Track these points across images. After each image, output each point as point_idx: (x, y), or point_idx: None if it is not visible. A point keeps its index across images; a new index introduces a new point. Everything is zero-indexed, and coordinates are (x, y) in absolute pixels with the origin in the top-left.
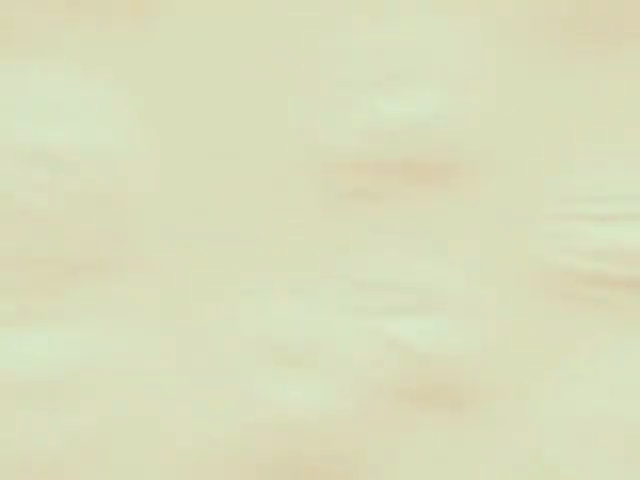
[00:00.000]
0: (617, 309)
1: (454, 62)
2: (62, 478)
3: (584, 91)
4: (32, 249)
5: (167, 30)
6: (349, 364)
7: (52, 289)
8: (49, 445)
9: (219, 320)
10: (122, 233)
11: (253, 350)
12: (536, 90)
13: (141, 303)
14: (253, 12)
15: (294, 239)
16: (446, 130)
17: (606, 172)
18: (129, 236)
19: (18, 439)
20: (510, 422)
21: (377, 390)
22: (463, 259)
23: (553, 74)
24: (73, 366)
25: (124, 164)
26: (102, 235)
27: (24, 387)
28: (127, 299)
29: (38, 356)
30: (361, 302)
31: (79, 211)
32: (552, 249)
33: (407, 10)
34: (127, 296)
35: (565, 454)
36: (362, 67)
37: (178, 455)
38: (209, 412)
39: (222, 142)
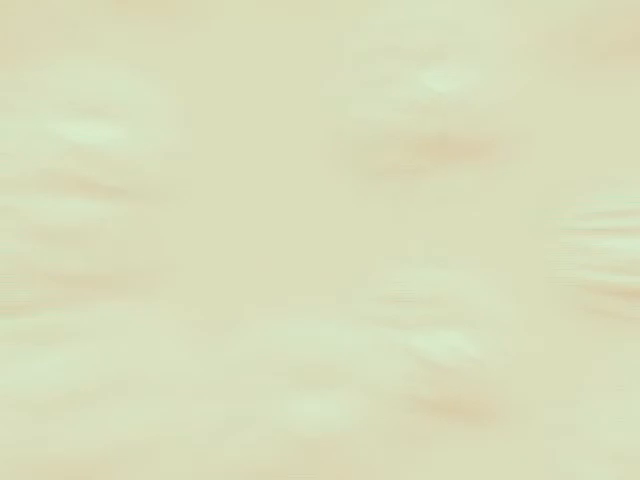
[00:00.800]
0: (637, 322)
1: (493, 38)
2: None
3: (609, 104)
4: (59, 265)
5: (208, 29)
6: (370, 378)
7: (78, 305)
8: (71, 457)
9: (242, 334)
10: (151, 246)
11: (275, 366)
12: (571, 93)
13: (164, 320)
14: None
15: (319, 248)
16: (482, 107)
17: (626, 186)
18: (157, 251)
19: (41, 454)
20: (530, 436)
21: (398, 403)
22: (485, 273)
23: (586, 83)
24: (98, 381)
25: (164, 162)
26: (130, 251)
27: (49, 402)
28: (150, 316)
29: (63, 372)
30: (383, 315)
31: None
32: (572, 263)
33: None
34: (150, 313)
35: (584, 469)
36: (400, 40)
37: (195, 470)
38: (227, 427)
39: (261, 136)
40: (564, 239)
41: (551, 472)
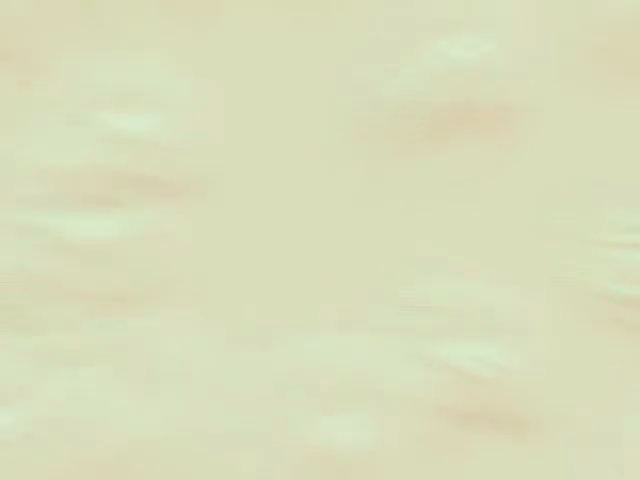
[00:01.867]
0: None
1: (509, 8)
2: None
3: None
4: (90, 281)
5: (240, 22)
6: (402, 390)
7: (111, 322)
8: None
9: (271, 348)
10: (179, 259)
11: (304, 380)
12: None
13: (191, 333)
14: None
15: (345, 255)
16: (500, 77)
17: None
18: (186, 263)
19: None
20: (562, 446)
21: (430, 415)
22: (514, 282)
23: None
24: (132, 396)
25: (200, 152)
26: (157, 266)
27: (87, 418)
28: (182, 330)
29: (97, 389)
30: (413, 327)
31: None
32: (604, 275)
33: None
34: (181, 327)
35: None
36: (416, 11)
37: None
38: (257, 444)
39: (288, 119)
40: (594, 248)
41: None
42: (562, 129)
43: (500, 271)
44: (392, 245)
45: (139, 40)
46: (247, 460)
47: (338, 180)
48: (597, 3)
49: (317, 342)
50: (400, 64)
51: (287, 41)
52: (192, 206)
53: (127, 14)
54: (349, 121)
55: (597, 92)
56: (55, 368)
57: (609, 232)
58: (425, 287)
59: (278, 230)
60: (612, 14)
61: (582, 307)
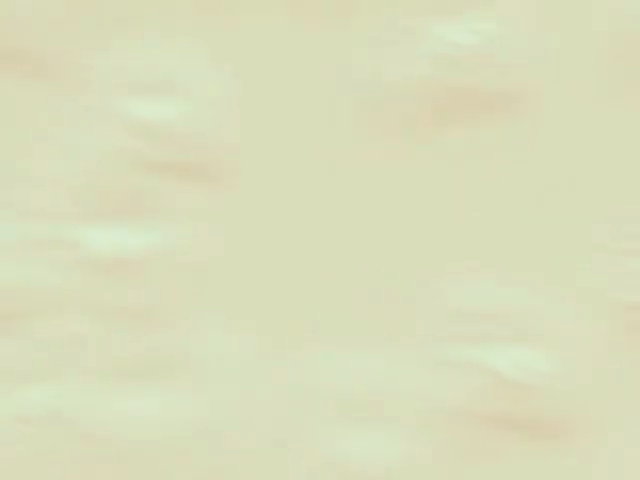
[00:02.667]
0: None
1: None
2: None
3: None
4: (118, 296)
5: (262, 13)
6: (438, 396)
7: (141, 337)
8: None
9: (297, 364)
10: (202, 269)
11: (336, 390)
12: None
13: (221, 343)
14: None
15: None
16: (500, 60)
17: None
18: (208, 273)
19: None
20: (602, 451)
21: (467, 420)
22: (550, 287)
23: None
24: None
25: (220, 141)
26: (178, 278)
27: (128, 442)
28: (209, 338)
29: (138, 411)
30: (451, 332)
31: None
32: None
33: None
34: (209, 335)
35: None
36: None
37: None
38: (277, 462)
39: (304, 106)
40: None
41: None
42: (564, 113)
43: (533, 275)
44: (423, 249)
45: (158, 29)
46: (270, 469)
47: (346, 169)
48: None
49: (350, 350)
50: (401, 49)
51: (298, 29)
52: (215, 200)
53: (146, 4)
54: (353, 106)
55: (599, 77)
56: (88, 382)
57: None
58: (461, 293)
59: (301, 226)
60: None
61: (616, 314)
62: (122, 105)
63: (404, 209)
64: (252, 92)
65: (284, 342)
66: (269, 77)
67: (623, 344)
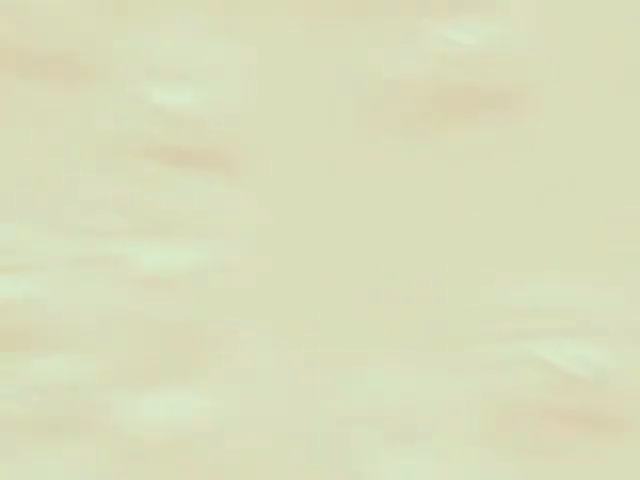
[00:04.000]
0: None
1: None
2: None
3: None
4: (166, 312)
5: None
6: (497, 390)
7: (181, 354)
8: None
9: (337, 381)
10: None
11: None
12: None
13: (253, 369)
14: None
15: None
16: (501, 59)
17: None
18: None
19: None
20: None
21: (528, 414)
22: (612, 279)
23: None
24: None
25: (239, 126)
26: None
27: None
28: (256, 354)
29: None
30: (508, 327)
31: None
32: None
33: None
34: (256, 351)
35: None
36: None
37: None
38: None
39: (318, 98)
40: None
41: None
42: (564, 111)
43: (592, 270)
44: (474, 246)
45: (175, 17)
46: None
47: (347, 168)
48: None
49: (402, 361)
50: (401, 48)
51: (301, 27)
52: (231, 195)
53: None
54: (353, 103)
55: (599, 76)
56: (135, 394)
57: None
58: (518, 289)
59: (315, 230)
60: None
61: None
62: (140, 92)
63: (411, 208)
64: (267, 79)
65: (321, 357)
66: (281, 66)
67: None
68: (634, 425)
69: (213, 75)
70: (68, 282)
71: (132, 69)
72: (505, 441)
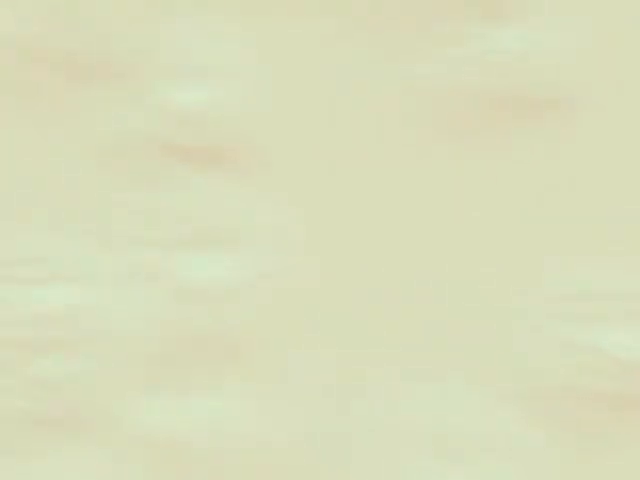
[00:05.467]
0: None
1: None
2: None
3: None
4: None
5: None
6: (548, 374)
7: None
8: None
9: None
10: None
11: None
12: None
13: (294, 380)
14: None
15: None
16: (555, 67)
17: None
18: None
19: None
20: None
21: (579, 400)
22: None
23: None
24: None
25: (250, 124)
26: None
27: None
28: (281, 375)
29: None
30: (561, 312)
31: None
32: None
33: None
34: (281, 372)
35: None
36: (472, 2)
37: None
38: None
39: (344, 98)
40: None
41: None
42: (613, 117)
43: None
44: (517, 233)
45: (190, 15)
46: None
47: (390, 159)
48: None
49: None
50: (449, 54)
51: (337, 19)
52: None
53: None
54: (398, 104)
55: None
56: (182, 400)
57: None
58: (567, 273)
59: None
60: None
61: None
62: (155, 91)
63: (445, 207)
64: (284, 78)
65: (360, 370)
66: (301, 64)
67: None
68: None
69: (228, 73)
70: (102, 291)
71: (147, 69)
72: (552, 426)
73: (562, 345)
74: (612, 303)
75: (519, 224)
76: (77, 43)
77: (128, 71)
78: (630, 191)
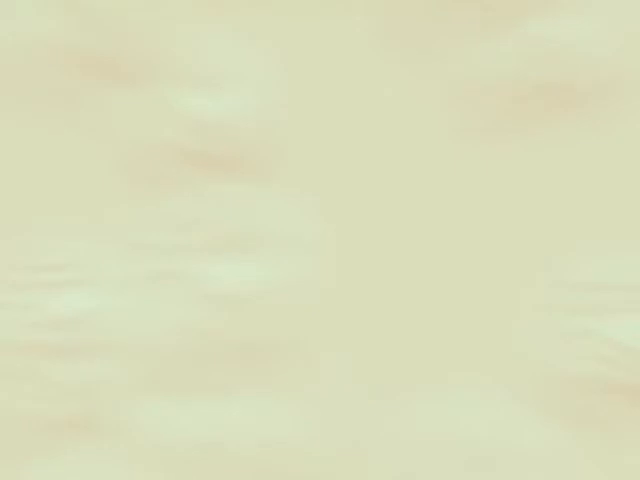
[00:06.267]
0: None
1: None
2: None
3: None
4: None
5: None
6: (562, 363)
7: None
8: None
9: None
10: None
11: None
12: None
13: (318, 386)
14: None
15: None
16: (596, 57)
17: None
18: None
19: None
20: None
21: (594, 390)
22: None
23: None
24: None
25: (269, 133)
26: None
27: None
28: (305, 379)
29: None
30: (573, 303)
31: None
32: None
33: None
34: (304, 382)
35: None
36: None
37: None
38: None
39: (367, 104)
40: None
41: None
42: None
43: None
44: (541, 225)
45: (207, 22)
46: None
47: (418, 158)
48: None
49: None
50: (493, 44)
51: (356, 24)
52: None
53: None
54: (432, 98)
55: None
56: (211, 402)
57: None
58: (585, 264)
59: (379, 222)
60: None
61: None
62: (173, 99)
63: (496, 202)
64: (303, 85)
65: (391, 377)
66: (319, 70)
67: None
68: None
69: (248, 81)
70: (124, 296)
71: (169, 77)
72: (568, 413)
73: (576, 334)
74: (627, 293)
75: (539, 216)
76: (104, 52)
77: (150, 80)
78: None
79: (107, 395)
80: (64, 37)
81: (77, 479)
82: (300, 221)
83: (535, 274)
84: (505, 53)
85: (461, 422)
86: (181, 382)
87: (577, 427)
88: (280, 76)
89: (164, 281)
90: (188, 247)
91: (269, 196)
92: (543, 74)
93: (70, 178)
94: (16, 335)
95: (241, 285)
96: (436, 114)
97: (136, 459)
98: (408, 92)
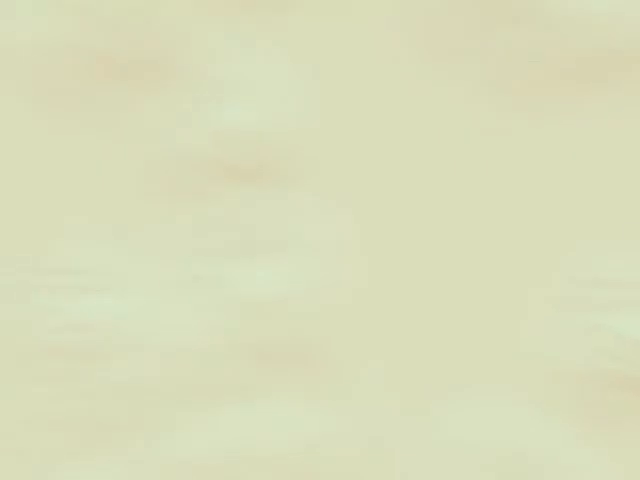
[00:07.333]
0: None
1: None
2: None
3: None
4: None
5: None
6: (566, 359)
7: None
8: None
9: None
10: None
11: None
12: None
13: (348, 390)
14: None
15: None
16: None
17: None
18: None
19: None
20: None
21: (599, 383)
22: None
23: None
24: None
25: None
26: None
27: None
28: (338, 384)
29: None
30: (580, 297)
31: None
32: None
33: None
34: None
35: None
36: None
37: None
38: None
39: (391, 113)
40: None
41: None
42: None
43: None
44: (547, 219)
45: (239, 35)
46: None
47: (451, 157)
48: None
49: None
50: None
51: (386, 35)
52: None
53: (228, 9)
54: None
55: None
56: (238, 409)
57: None
58: (594, 261)
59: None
60: None
61: None
62: (203, 108)
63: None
64: (325, 91)
65: (422, 380)
66: (343, 77)
67: None
68: None
69: (275, 90)
70: (160, 301)
71: (196, 86)
72: (575, 410)
73: (583, 330)
74: (632, 289)
75: (549, 212)
76: (134, 59)
77: (178, 88)
78: None
79: (138, 397)
80: (101, 46)
81: None
82: (327, 226)
83: (546, 271)
84: (549, 22)
85: (484, 426)
86: (212, 386)
87: (592, 425)
88: (304, 82)
89: (194, 285)
90: (217, 252)
91: (296, 201)
92: (589, 41)
93: (98, 183)
94: (50, 338)
95: (271, 289)
96: (461, 117)
97: (166, 463)
98: (434, 96)
